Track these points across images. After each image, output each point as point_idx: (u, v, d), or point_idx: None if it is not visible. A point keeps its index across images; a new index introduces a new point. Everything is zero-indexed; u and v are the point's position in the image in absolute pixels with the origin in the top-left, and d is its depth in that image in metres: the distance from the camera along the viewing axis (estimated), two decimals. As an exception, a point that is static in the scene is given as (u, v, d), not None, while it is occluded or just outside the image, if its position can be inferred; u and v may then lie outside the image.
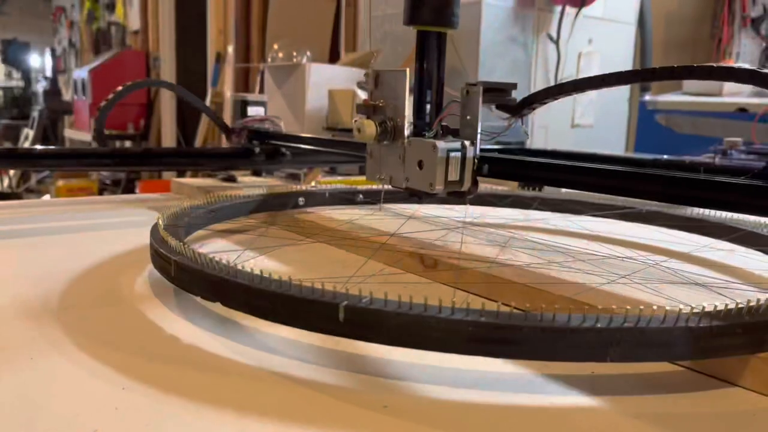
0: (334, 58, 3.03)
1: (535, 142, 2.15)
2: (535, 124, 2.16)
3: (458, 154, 0.51)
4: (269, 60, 2.68)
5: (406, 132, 0.53)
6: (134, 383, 0.33)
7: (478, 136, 0.52)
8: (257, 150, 0.88)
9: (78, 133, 5.15)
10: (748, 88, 2.06)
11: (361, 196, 0.74)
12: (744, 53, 2.52)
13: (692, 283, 0.46)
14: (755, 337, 0.32)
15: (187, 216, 0.56)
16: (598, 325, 0.30)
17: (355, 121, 0.54)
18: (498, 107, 0.56)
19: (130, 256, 0.58)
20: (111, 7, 6.00)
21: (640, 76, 0.54)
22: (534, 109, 0.56)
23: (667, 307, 0.31)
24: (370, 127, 0.53)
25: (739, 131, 1.76)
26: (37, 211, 0.83)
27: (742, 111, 1.94)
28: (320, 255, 0.60)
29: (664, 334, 0.30)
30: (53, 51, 7.95)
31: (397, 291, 0.31)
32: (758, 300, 0.33)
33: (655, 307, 0.31)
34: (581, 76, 2.26)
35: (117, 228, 0.72)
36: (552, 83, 2.21)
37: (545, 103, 0.56)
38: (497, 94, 0.54)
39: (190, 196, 0.89)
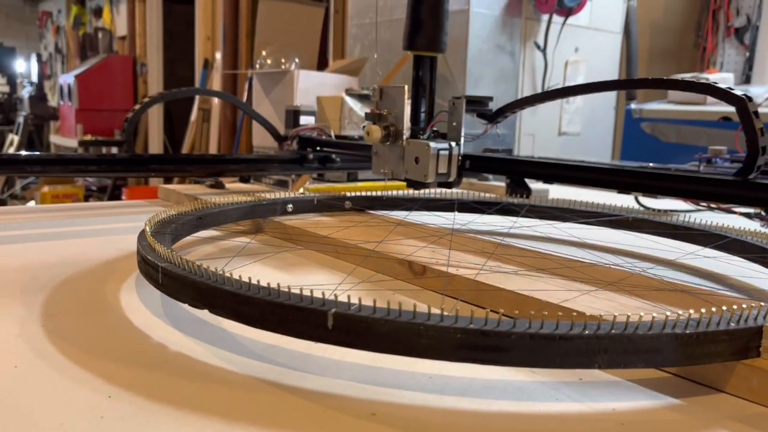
0: (322, 65, 3.03)
1: (523, 149, 2.16)
2: (522, 132, 2.17)
3: (446, 152, 0.63)
4: (257, 67, 2.67)
5: (405, 135, 0.64)
6: (120, 391, 0.32)
7: (462, 138, 0.64)
8: (311, 156, 0.97)
9: (64, 139, 5.10)
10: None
11: (349, 203, 0.74)
12: (728, 63, 2.55)
13: (678, 290, 0.47)
14: (741, 344, 0.32)
15: (174, 223, 0.55)
16: (586, 332, 0.30)
17: (364, 126, 0.65)
18: (478, 116, 0.70)
19: (117, 263, 0.58)
20: (98, 13, 5.97)
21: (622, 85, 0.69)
22: (507, 117, 0.69)
23: (654, 314, 0.31)
24: (376, 132, 0.64)
25: (724, 140, 1.78)
26: (22, 217, 0.82)
27: (726, 120, 1.96)
28: (309, 262, 0.60)
29: (652, 341, 0.31)
30: (39, 56, 7.89)
31: (386, 298, 0.31)
32: (743, 307, 0.33)
33: (642, 314, 0.31)
34: (568, 84, 2.28)
35: (104, 235, 0.71)
36: (539, 91, 2.22)
37: (515, 113, 0.70)
38: (477, 105, 0.69)
39: (178, 202, 0.88)
